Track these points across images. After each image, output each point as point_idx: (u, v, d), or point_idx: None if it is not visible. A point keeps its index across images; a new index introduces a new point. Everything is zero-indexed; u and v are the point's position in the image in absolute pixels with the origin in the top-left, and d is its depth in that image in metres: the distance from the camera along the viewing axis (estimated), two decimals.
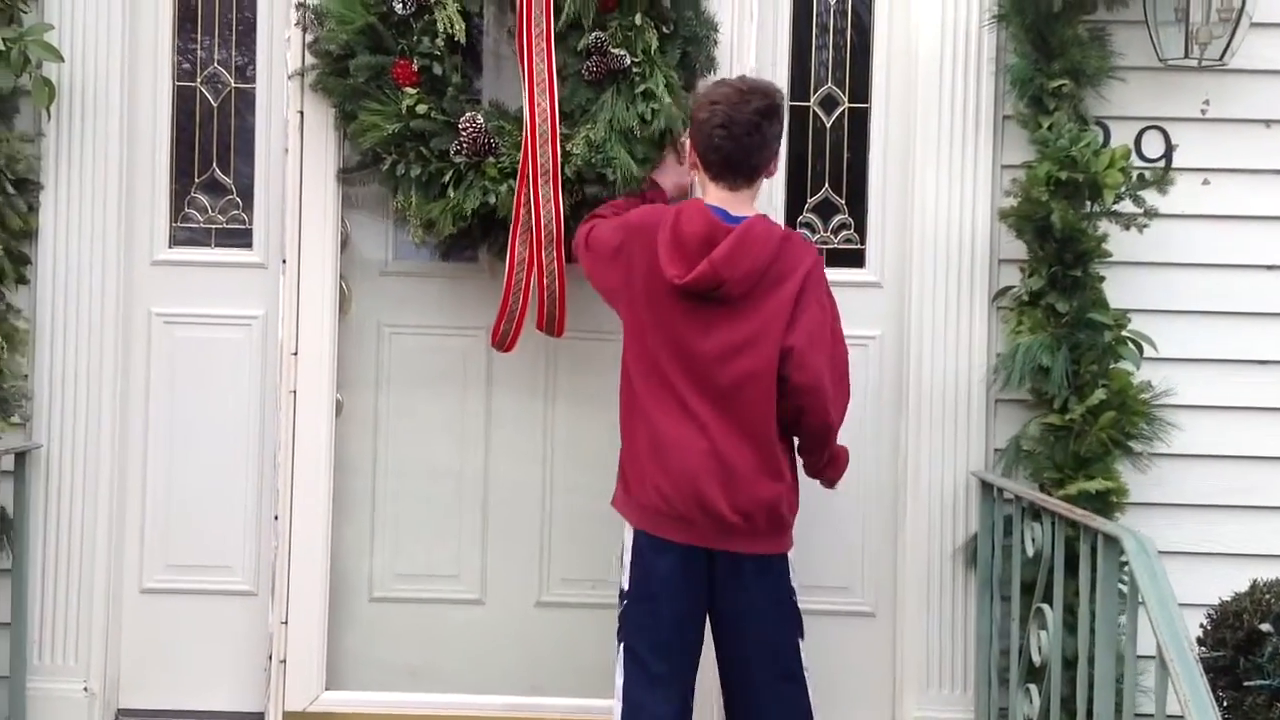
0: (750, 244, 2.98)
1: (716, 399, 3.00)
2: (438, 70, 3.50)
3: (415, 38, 3.50)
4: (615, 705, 3.12)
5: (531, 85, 3.39)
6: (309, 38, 3.62)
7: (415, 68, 3.50)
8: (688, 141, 3.20)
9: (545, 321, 3.48)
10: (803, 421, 3.07)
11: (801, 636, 3.14)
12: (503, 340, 3.51)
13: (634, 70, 3.45)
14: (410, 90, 3.48)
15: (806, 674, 3.13)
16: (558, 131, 3.40)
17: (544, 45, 3.39)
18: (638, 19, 3.45)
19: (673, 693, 3.09)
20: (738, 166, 3.06)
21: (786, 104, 3.50)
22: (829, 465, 3.23)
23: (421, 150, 3.50)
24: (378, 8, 3.49)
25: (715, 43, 3.63)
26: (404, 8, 3.47)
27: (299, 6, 3.61)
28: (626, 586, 3.13)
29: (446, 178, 3.48)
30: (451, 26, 3.48)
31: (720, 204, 3.07)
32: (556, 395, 3.87)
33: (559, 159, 3.39)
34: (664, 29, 3.50)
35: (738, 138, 3.02)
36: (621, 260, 3.11)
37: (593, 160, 3.41)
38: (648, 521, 3.07)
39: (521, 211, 3.42)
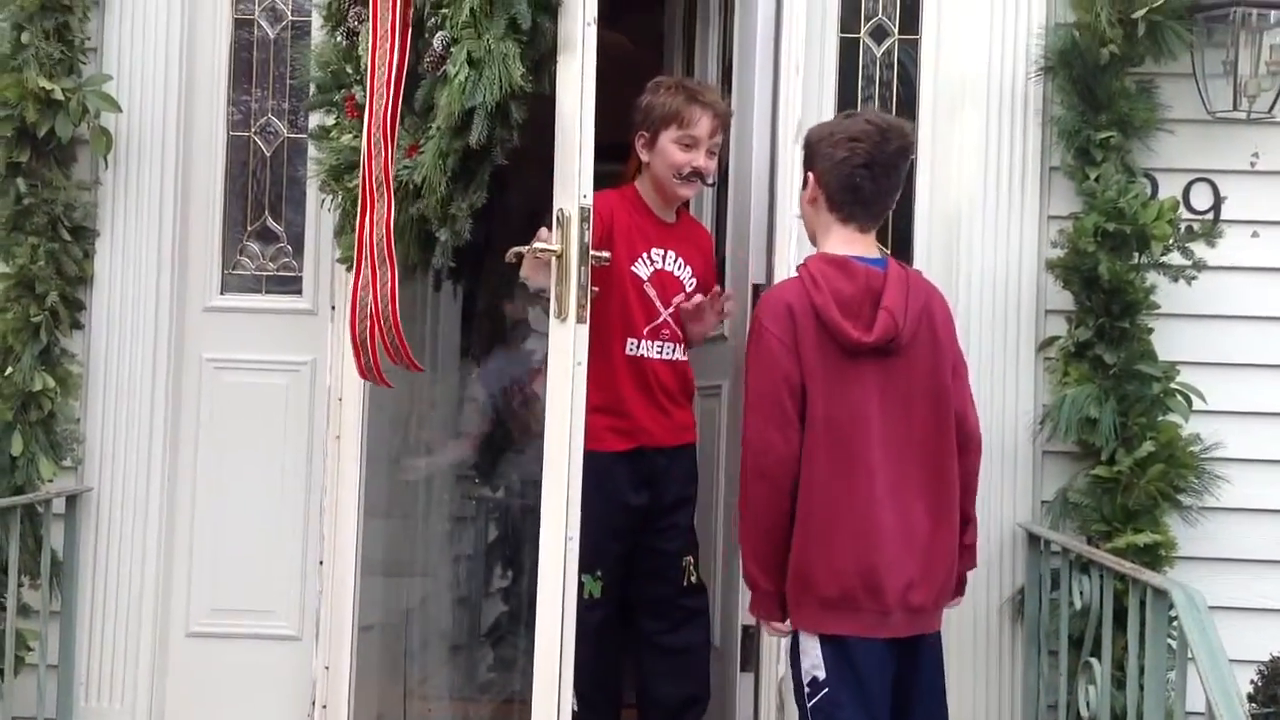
0: (910, 284, 2.82)
1: (898, 464, 2.75)
2: (360, 97, 3.15)
3: (352, 66, 3.26)
4: None
5: (372, 90, 2.97)
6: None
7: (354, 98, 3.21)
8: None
9: (391, 350, 3.03)
10: (969, 486, 2.87)
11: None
12: (368, 369, 3.09)
13: (451, 52, 2.89)
14: (340, 122, 3.26)
15: None
16: (390, 139, 2.97)
17: (388, 43, 2.96)
18: None
19: None
20: (873, 208, 2.88)
21: None
22: (970, 545, 2.92)
23: (348, 182, 3.21)
24: (339, 45, 3.33)
25: None
26: (343, 38, 3.26)
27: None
28: (822, 675, 2.73)
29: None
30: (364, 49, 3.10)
31: (848, 248, 2.85)
32: None
33: (390, 170, 2.98)
34: None
35: (878, 179, 2.84)
36: (789, 378, 2.77)
37: (413, 166, 2.97)
38: (836, 621, 2.72)
39: (363, 231, 3.04)
